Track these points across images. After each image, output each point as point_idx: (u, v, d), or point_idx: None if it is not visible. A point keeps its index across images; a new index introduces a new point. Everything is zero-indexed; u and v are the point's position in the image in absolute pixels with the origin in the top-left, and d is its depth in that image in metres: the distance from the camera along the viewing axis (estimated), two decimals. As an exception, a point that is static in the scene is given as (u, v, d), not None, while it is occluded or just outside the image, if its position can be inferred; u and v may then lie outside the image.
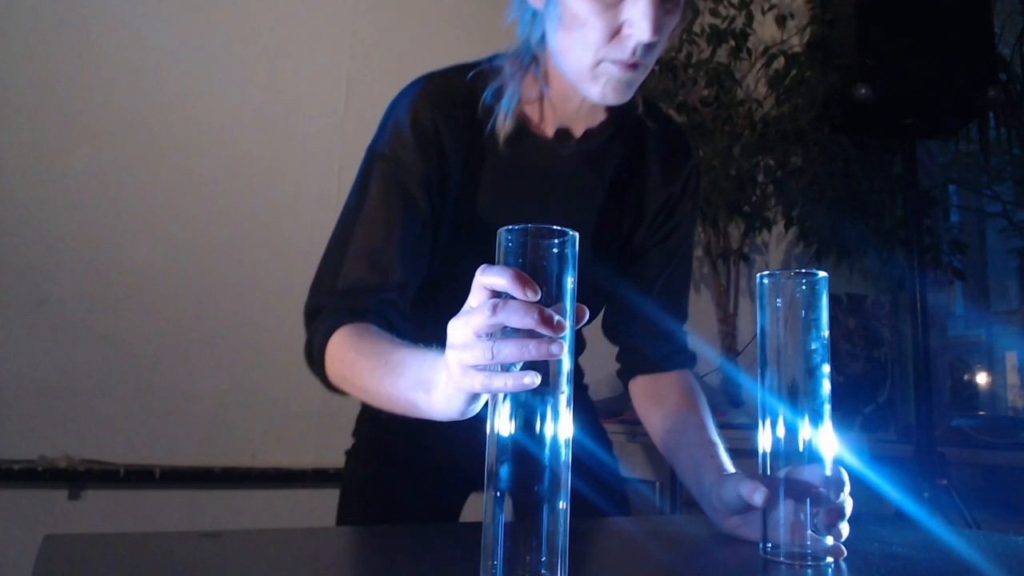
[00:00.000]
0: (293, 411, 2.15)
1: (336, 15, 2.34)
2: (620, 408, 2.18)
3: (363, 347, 0.84)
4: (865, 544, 0.82)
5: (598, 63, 0.86)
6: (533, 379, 0.55)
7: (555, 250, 0.58)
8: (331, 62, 2.32)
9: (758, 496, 0.74)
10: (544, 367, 0.57)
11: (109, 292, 2.01)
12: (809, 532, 0.72)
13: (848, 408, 2.76)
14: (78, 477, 1.92)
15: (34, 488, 1.88)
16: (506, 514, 0.56)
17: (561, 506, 0.57)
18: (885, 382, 2.86)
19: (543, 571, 0.56)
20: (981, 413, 2.72)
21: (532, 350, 0.55)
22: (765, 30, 2.67)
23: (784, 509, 0.73)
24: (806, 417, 0.73)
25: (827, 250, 2.64)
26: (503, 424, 0.58)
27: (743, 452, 2.12)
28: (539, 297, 0.56)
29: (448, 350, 0.62)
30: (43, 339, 1.94)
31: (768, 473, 0.75)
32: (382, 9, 2.39)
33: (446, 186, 0.97)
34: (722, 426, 2.11)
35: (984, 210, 3.03)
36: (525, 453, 0.57)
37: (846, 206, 2.49)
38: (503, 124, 0.95)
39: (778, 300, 0.74)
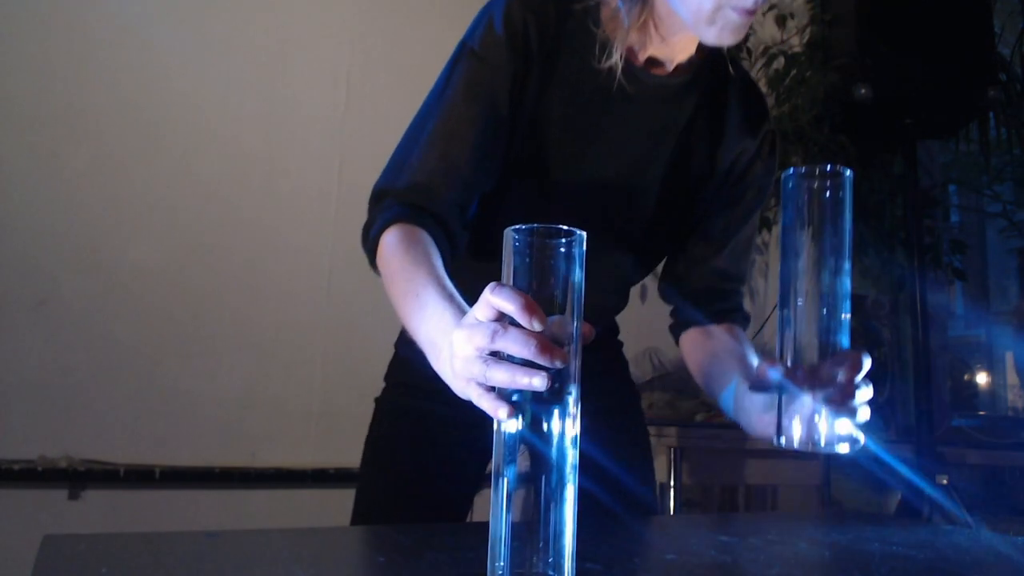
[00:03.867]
0: (293, 411, 2.15)
1: (336, 15, 2.34)
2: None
3: (406, 263, 0.83)
4: (865, 544, 0.82)
5: (719, 8, 0.87)
6: (509, 415, 0.58)
7: (562, 250, 0.58)
8: (331, 62, 2.32)
9: (772, 372, 0.75)
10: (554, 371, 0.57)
11: (109, 292, 2.01)
12: (825, 421, 0.72)
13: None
14: (78, 477, 1.92)
15: (34, 488, 1.88)
16: (513, 514, 0.57)
17: (568, 507, 0.57)
18: (885, 382, 2.86)
19: (550, 572, 0.56)
20: (981, 413, 2.72)
21: (519, 380, 0.57)
22: (765, 30, 2.67)
23: (799, 397, 0.73)
24: (824, 310, 0.73)
25: (827, 250, 2.63)
26: (509, 424, 0.58)
27: (744, 452, 2.13)
28: (545, 328, 0.57)
29: (453, 354, 0.64)
30: (43, 339, 1.94)
31: (787, 361, 0.75)
32: (382, 9, 2.39)
33: (526, 91, 0.96)
34: (723, 426, 2.12)
35: (984, 210, 3.03)
36: (532, 453, 0.57)
37: (846, 206, 2.49)
38: (600, 41, 0.95)
39: (803, 196, 0.74)
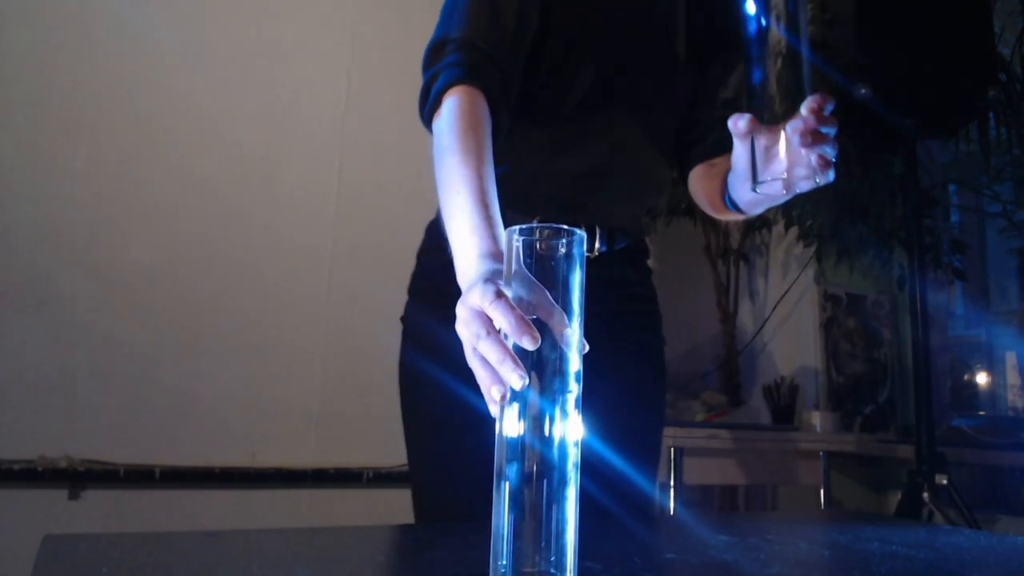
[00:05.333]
0: (293, 411, 2.15)
1: (336, 15, 2.34)
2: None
3: (461, 146, 0.84)
4: (865, 544, 0.82)
5: None
6: (493, 409, 0.59)
7: (562, 249, 0.59)
8: (331, 62, 2.32)
9: (742, 123, 0.79)
10: (552, 367, 0.58)
11: (109, 292, 2.01)
12: (796, 154, 0.77)
13: (848, 408, 2.77)
14: (78, 477, 1.92)
15: (34, 488, 1.88)
16: (515, 513, 0.57)
17: (570, 506, 0.57)
18: (885, 382, 2.86)
19: (552, 570, 0.56)
20: (981, 413, 2.72)
21: (485, 390, 0.60)
22: (765, 30, 2.67)
23: (767, 140, 0.78)
24: (791, 64, 0.79)
25: (827, 250, 2.64)
26: (511, 424, 0.58)
27: (744, 452, 2.13)
28: (536, 346, 0.57)
29: (458, 319, 0.66)
30: (43, 339, 1.94)
31: (758, 112, 0.79)
32: (382, 9, 2.39)
33: None
34: (723, 426, 2.11)
35: (984, 210, 3.03)
36: (533, 452, 0.58)
37: (846, 206, 2.49)
38: None
39: None
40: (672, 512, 1.91)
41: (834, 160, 0.78)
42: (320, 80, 2.30)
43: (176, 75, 2.16)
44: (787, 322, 2.88)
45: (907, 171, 2.12)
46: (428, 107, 0.92)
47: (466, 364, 0.66)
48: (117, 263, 2.04)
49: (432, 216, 1.14)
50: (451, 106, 0.88)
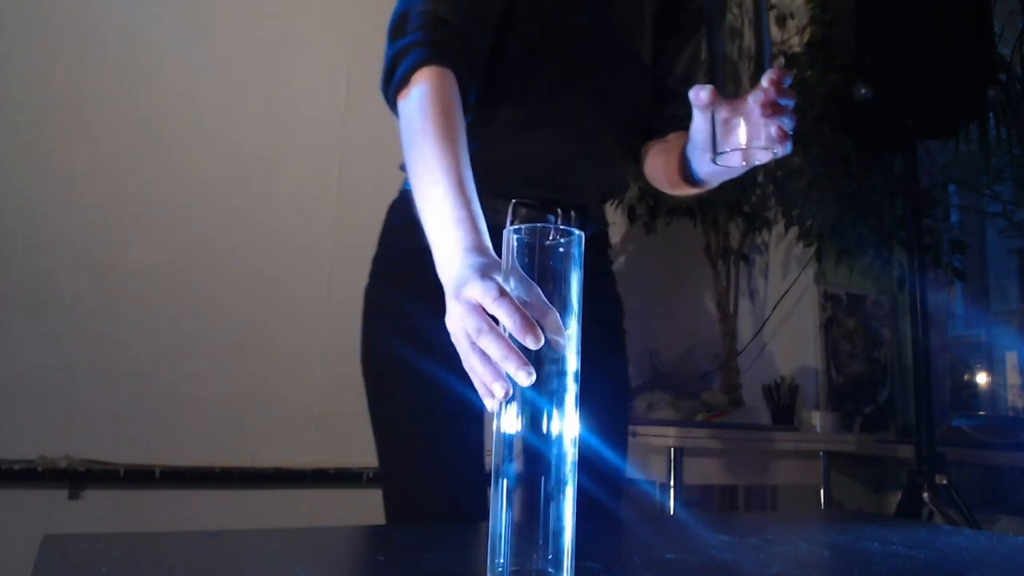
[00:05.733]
0: (293, 411, 2.15)
1: (336, 15, 2.34)
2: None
3: (435, 134, 0.82)
4: (865, 544, 0.82)
5: None
6: (492, 405, 0.59)
7: (561, 250, 0.59)
8: (331, 61, 2.32)
9: (703, 95, 0.80)
10: (549, 366, 0.58)
11: (109, 292, 2.01)
12: (755, 127, 0.79)
13: (848, 408, 2.77)
14: (78, 477, 1.92)
15: (34, 488, 1.88)
16: (513, 512, 0.57)
17: (568, 504, 0.58)
18: (885, 382, 2.86)
19: (549, 569, 0.56)
20: (981, 413, 2.72)
21: (484, 385, 0.60)
22: (765, 30, 2.67)
23: (727, 113, 0.80)
24: (753, 41, 0.82)
25: (827, 250, 2.64)
26: (509, 422, 0.58)
27: (744, 452, 2.13)
28: (540, 346, 0.57)
29: (450, 305, 0.67)
30: (43, 339, 1.94)
31: (718, 84, 0.81)
32: (382, 9, 2.38)
33: None
34: (723, 426, 2.11)
35: (984, 210, 3.03)
36: (531, 451, 0.58)
37: (846, 206, 2.49)
38: None
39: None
40: (672, 512, 1.91)
41: (791, 132, 0.79)
42: (320, 80, 2.30)
43: (176, 75, 2.16)
44: (787, 322, 2.88)
45: (907, 171, 2.12)
46: (394, 85, 0.90)
47: (450, 352, 0.66)
48: (117, 263, 2.03)
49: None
50: (422, 88, 0.87)
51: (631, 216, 2.54)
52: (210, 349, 2.09)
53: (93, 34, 2.09)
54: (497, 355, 0.59)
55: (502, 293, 0.60)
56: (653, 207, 2.52)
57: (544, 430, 0.58)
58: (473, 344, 0.62)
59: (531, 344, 0.57)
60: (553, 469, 0.57)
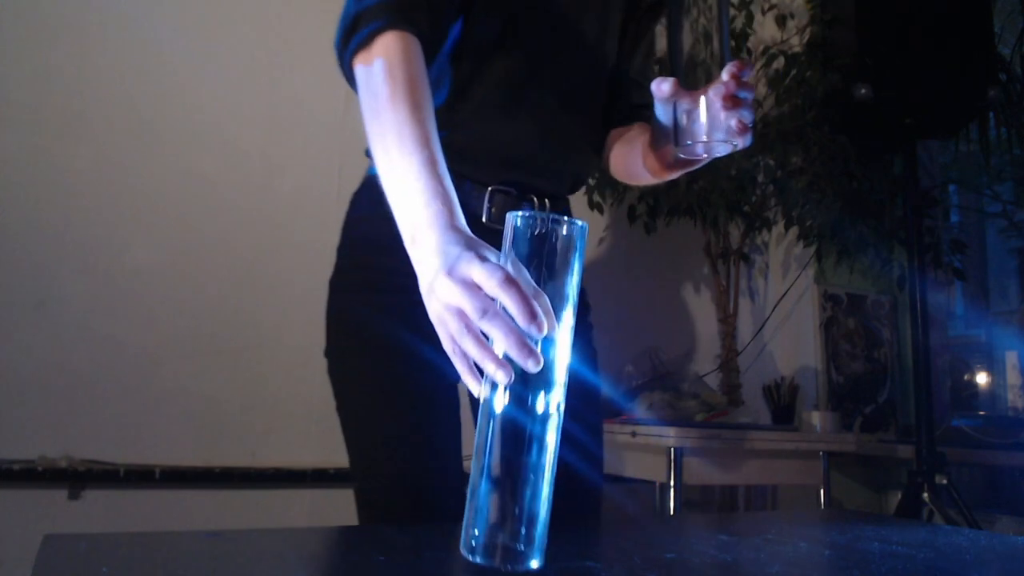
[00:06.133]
0: (293, 411, 2.15)
1: (336, 15, 2.34)
2: (620, 409, 2.18)
3: (403, 103, 0.79)
4: (865, 544, 0.82)
5: None
6: (478, 390, 0.61)
7: (564, 233, 0.60)
8: (332, 60, 2.31)
9: (666, 87, 0.81)
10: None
11: (109, 292, 2.01)
12: (716, 117, 0.81)
13: (848, 408, 2.77)
14: (78, 477, 1.91)
15: (34, 488, 1.88)
16: (492, 486, 0.58)
17: (546, 482, 0.59)
18: (885, 382, 2.86)
19: (520, 546, 0.57)
20: (981, 413, 2.72)
21: (487, 365, 0.59)
22: (765, 30, 2.67)
23: (689, 105, 0.82)
24: (715, 39, 0.82)
25: (827, 250, 2.64)
26: (494, 399, 0.60)
27: (744, 452, 2.13)
28: (544, 333, 0.58)
29: (434, 287, 0.65)
30: (43, 339, 1.94)
31: (680, 76, 0.83)
32: (382, 9, 2.39)
33: None
34: (723, 426, 2.11)
35: (984, 210, 3.03)
36: (513, 428, 0.59)
37: (846, 206, 2.49)
38: None
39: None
40: (672, 512, 1.91)
41: (750, 125, 0.80)
42: (320, 80, 2.30)
43: (176, 75, 2.16)
44: (787, 322, 2.88)
45: (907, 171, 2.12)
46: (354, 46, 0.87)
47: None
48: (117, 263, 2.03)
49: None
50: (387, 53, 0.83)
51: (631, 216, 2.54)
52: (210, 349, 2.09)
53: (93, 34, 2.08)
54: (505, 339, 0.58)
55: (508, 278, 0.59)
56: (653, 207, 2.52)
57: (529, 413, 0.58)
58: (467, 326, 0.61)
59: (535, 332, 0.56)
60: (536, 445, 0.58)
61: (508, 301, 0.58)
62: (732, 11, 2.58)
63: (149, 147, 2.10)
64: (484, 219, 1.02)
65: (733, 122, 0.80)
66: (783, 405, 2.47)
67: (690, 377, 2.29)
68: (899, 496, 2.01)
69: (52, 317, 1.95)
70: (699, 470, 1.98)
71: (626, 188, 2.46)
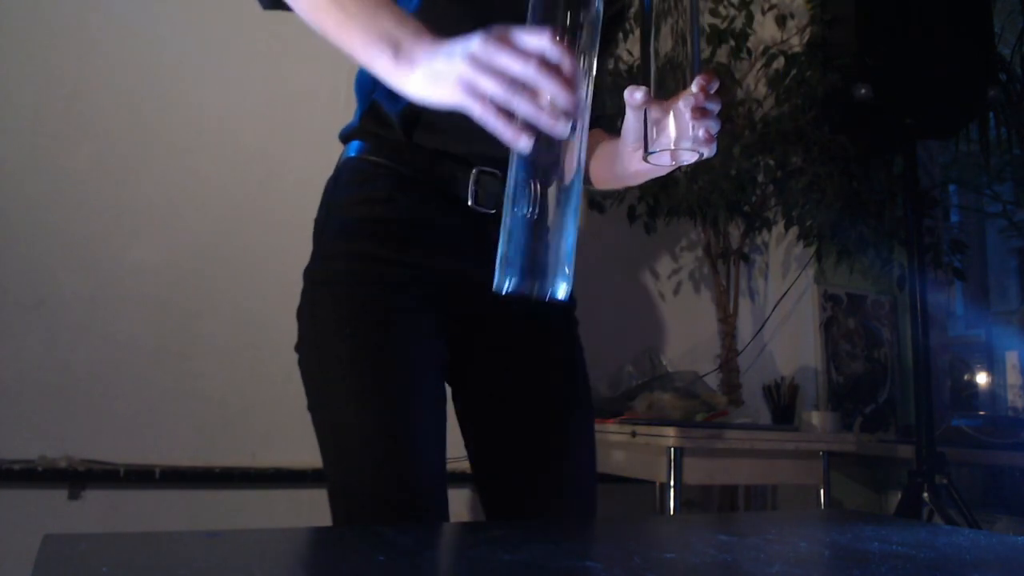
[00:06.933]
0: (293, 411, 2.14)
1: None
2: (620, 408, 2.18)
3: None
4: (865, 544, 0.82)
5: None
6: (526, 142, 0.68)
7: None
8: (333, 59, 2.31)
9: (638, 95, 0.83)
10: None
11: (109, 292, 2.01)
12: (686, 126, 0.83)
13: (848, 408, 2.77)
14: (78, 477, 1.92)
15: (34, 488, 1.88)
16: (526, 209, 0.69)
17: (571, 208, 0.70)
18: (885, 382, 2.87)
19: (549, 259, 0.68)
20: (981, 413, 2.72)
21: (541, 120, 0.68)
22: (765, 30, 2.67)
23: (658, 114, 0.85)
24: (683, 44, 0.85)
25: (827, 250, 2.64)
26: (528, 137, 0.69)
27: (744, 452, 2.13)
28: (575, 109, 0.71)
29: (466, 60, 0.71)
30: (43, 339, 1.94)
31: (651, 87, 0.85)
32: (382, 9, 2.39)
33: None
34: (723, 426, 2.11)
35: (984, 210, 3.03)
36: (541, 167, 0.70)
37: (846, 206, 2.49)
38: None
39: None
40: (672, 512, 1.91)
41: (716, 135, 0.83)
42: (320, 80, 2.30)
43: (176, 75, 2.16)
44: (787, 322, 2.88)
45: (907, 171, 2.12)
46: None
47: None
48: (117, 263, 2.03)
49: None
50: None
51: (631, 216, 2.54)
52: (210, 349, 2.09)
53: (94, 34, 2.09)
54: (558, 92, 0.67)
55: (547, 40, 0.68)
56: (653, 207, 2.52)
57: (557, 147, 0.71)
58: (510, 82, 0.68)
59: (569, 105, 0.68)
60: (566, 179, 0.71)
61: (543, 82, 0.67)
62: (732, 11, 2.58)
63: (149, 147, 2.10)
64: (470, 202, 1.04)
65: (701, 132, 0.82)
66: (783, 405, 2.47)
67: (690, 377, 2.29)
68: (899, 496, 2.01)
69: (52, 316, 1.95)
70: (699, 470, 1.98)
71: (626, 188, 2.45)
